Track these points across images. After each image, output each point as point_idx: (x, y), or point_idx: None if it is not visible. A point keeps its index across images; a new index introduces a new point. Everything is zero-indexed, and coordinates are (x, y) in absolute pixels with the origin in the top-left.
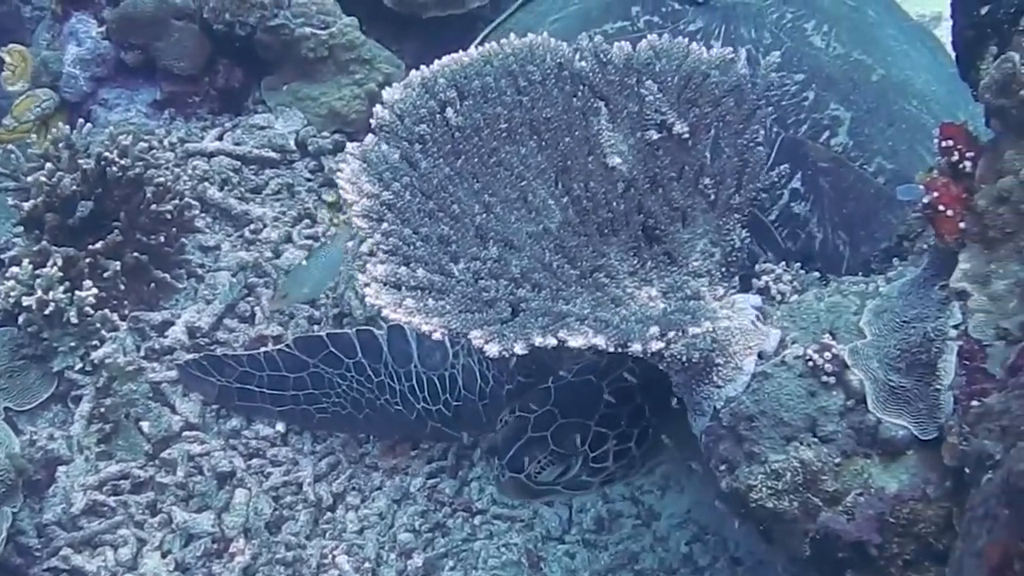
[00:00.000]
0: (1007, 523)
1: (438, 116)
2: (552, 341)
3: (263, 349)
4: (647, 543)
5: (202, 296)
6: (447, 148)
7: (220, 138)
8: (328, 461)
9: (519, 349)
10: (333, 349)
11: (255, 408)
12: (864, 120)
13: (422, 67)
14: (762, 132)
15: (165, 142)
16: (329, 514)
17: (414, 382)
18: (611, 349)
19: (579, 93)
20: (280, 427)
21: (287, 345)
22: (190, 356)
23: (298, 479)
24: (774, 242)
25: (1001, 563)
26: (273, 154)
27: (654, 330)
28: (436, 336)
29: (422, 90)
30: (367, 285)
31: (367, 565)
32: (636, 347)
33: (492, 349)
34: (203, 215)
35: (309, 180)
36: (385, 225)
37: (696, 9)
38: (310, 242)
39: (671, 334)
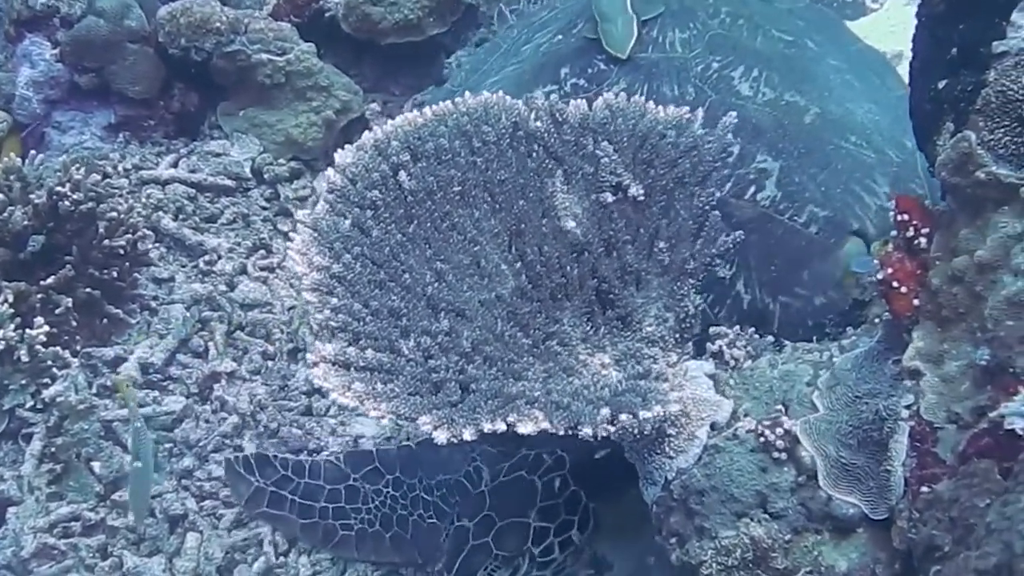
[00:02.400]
0: None
1: (391, 180)
2: (501, 426)
3: (309, 458)
4: None
5: (155, 330)
6: (399, 213)
7: (175, 165)
8: None
9: (468, 435)
10: (378, 464)
11: (278, 517)
12: (794, 168)
13: (375, 128)
14: (717, 194)
15: (119, 167)
16: (283, 558)
17: (445, 490)
18: (560, 432)
19: (534, 154)
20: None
21: (336, 457)
22: (242, 453)
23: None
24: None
25: None
26: (229, 182)
27: (604, 412)
28: (384, 422)
29: (375, 152)
30: (315, 365)
31: None
32: (587, 431)
33: (440, 436)
34: (157, 245)
35: (265, 208)
36: (334, 300)
37: (620, 68)
38: (265, 273)
39: (622, 417)
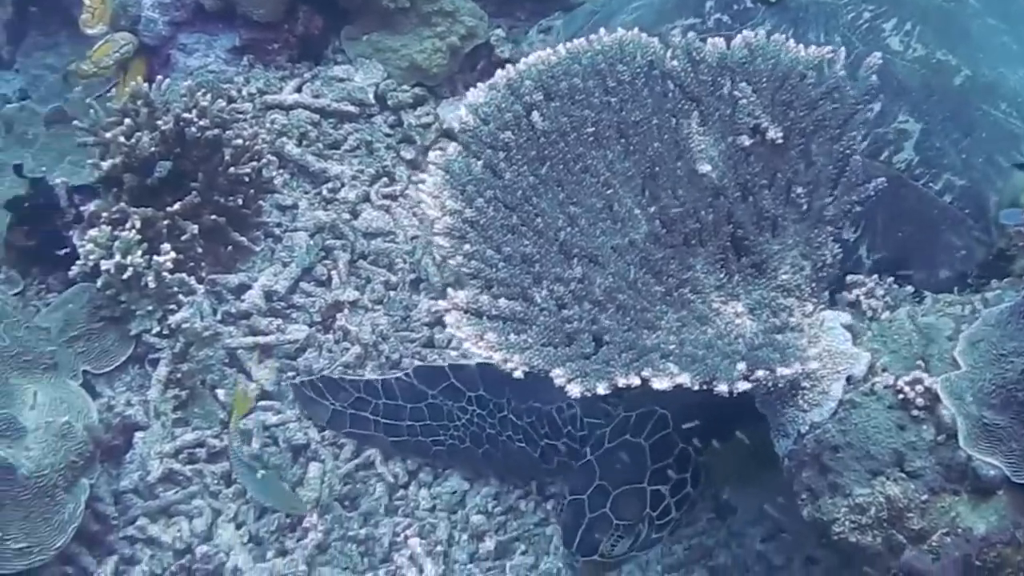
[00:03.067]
0: None
1: (523, 121)
2: (636, 381)
3: (380, 376)
4: (721, 538)
5: (279, 258)
6: (532, 154)
7: (299, 90)
8: None
9: (601, 390)
10: (455, 381)
11: (367, 436)
12: (936, 131)
13: (508, 67)
14: (859, 138)
15: (244, 92)
16: (402, 491)
17: (534, 418)
18: (695, 387)
19: (669, 94)
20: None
21: (406, 374)
22: (306, 377)
23: (368, 458)
24: None
25: None
26: (352, 108)
27: (741, 367)
28: (517, 374)
29: (507, 92)
30: (448, 312)
31: (439, 548)
32: (722, 387)
33: (574, 390)
34: (281, 172)
35: (388, 136)
36: (467, 246)
37: (767, 9)
38: (388, 202)
39: (759, 373)
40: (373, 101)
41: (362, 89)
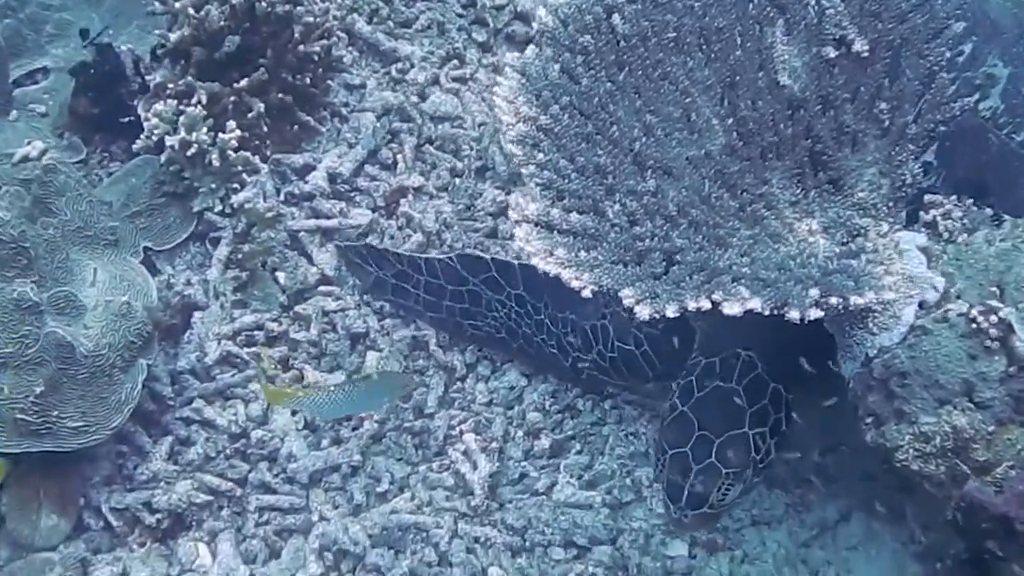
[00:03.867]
0: None
1: (603, 23)
2: (706, 304)
3: (425, 255)
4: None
5: (344, 138)
6: (610, 59)
7: None
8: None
9: (671, 312)
10: (496, 274)
11: (406, 307)
12: None
13: None
14: (948, 55)
15: None
16: (459, 383)
17: (569, 329)
18: (767, 312)
19: (755, 1)
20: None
21: (450, 258)
22: (352, 242)
23: (424, 338)
24: None
25: None
26: None
27: (814, 293)
28: (586, 293)
29: None
30: (518, 224)
31: (494, 445)
32: (794, 314)
33: (643, 312)
34: (350, 49)
35: (460, 16)
36: (540, 156)
37: None
38: (457, 85)
39: (832, 300)
40: None
41: None
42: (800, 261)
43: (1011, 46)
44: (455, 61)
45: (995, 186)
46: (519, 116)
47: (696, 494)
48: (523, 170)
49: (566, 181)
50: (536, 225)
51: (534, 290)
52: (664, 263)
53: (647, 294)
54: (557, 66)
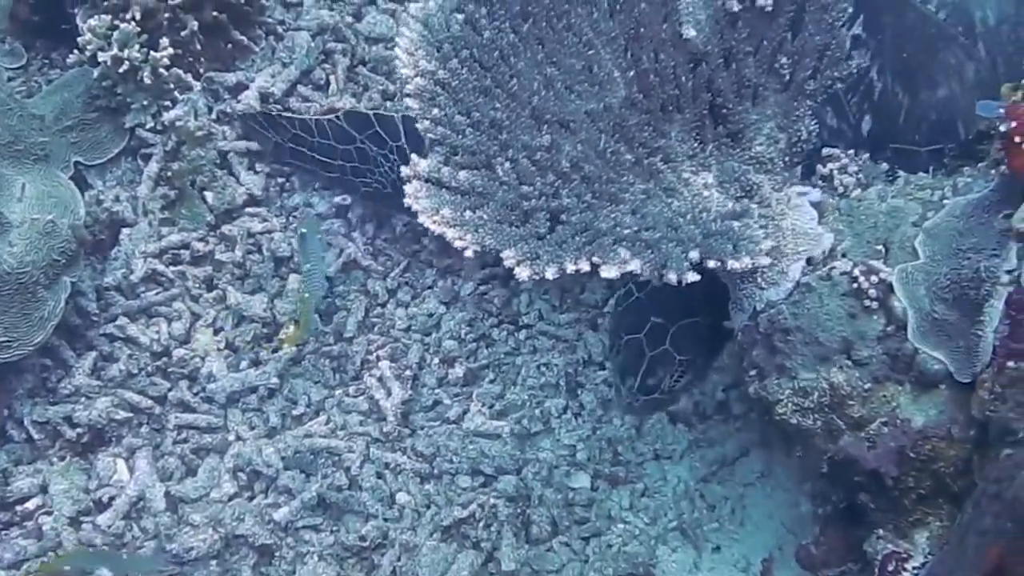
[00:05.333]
0: (1009, 534)
1: None
2: (585, 267)
3: (314, 117)
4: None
5: (279, 57)
6: (515, 9)
7: None
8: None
9: (550, 274)
10: (379, 129)
11: (306, 169)
12: None
13: None
14: (849, 11)
15: None
16: (379, 308)
17: None
18: (646, 275)
19: None
20: (338, 200)
21: (337, 116)
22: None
23: (350, 255)
24: (841, 110)
25: (997, 566)
26: None
27: (693, 256)
28: (468, 254)
29: None
30: (408, 181)
31: (408, 372)
32: (671, 276)
33: (523, 273)
34: None
35: None
36: (436, 111)
37: None
38: (393, 5)
39: (709, 264)
40: None
41: None
42: (690, 218)
43: None
44: None
45: (917, 52)
46: (418, 69)
47: (650, 379)
48: (418, 125)
49: (460, 136)
50: (427, 182)
51: (416, 140)
52: (549, 223)
53: (528, 255)
54: (461, 16)
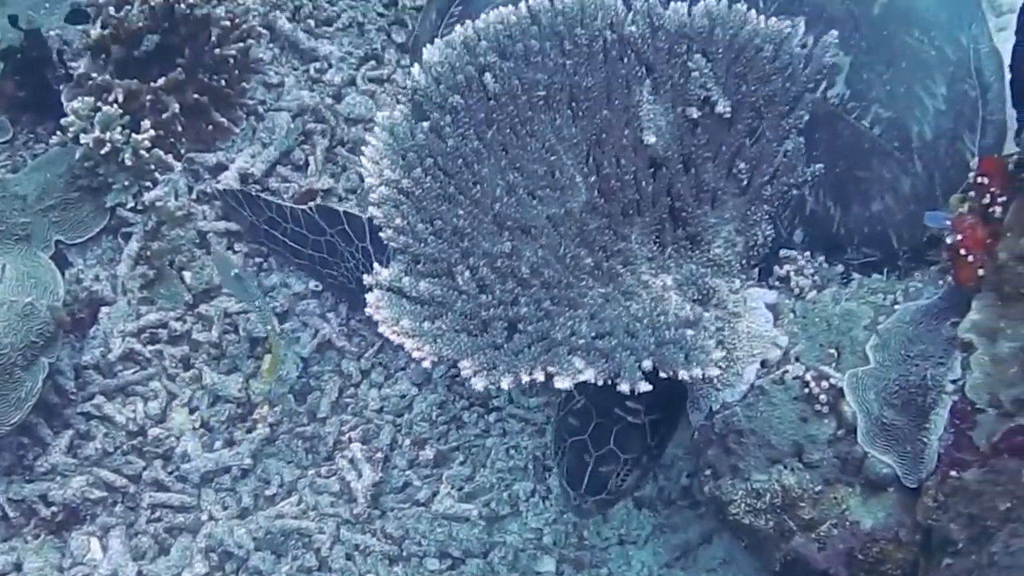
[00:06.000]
0: None
1: (475, 82)
2: (540, 377)
3: (289, 204)
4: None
5: (259, 138)
6: (480, 117)
7: None
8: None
9: (505, 384)
10: (347, 227)
11: (277, 252)
12: (863, 64)
13: (467, 23)
14: (806, 118)
15: None
16: (353, 388)
17: None
18: (600, 383)
19: (625, 60)
20: (313, 284)
21: (310, 207)
22: (233, 188)
23: (324, 336)
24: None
25: None
26: None
27: (646, 366)
28: (426, 364)
29: (463, 50)
30: (370, 289)
31: (379, 455)
32: (624, 387)
33: (478, 384)
34: (271, 46)
35: (381, 15)
36: (399, 219)
37: None
38: (373, 87)
39: (661, 375)
40: None
41: None
42: (647, 322)
43: (847, 36)
44: (373, 62)
45: (850, 167)
46: (382, 179)
47: (596, 480)
48: (381, 234)
49: (422, 245)
50: (388, 290)
51: (380, 244)
52: (506, 332)
53: (485, 365)
54: (426, 124)
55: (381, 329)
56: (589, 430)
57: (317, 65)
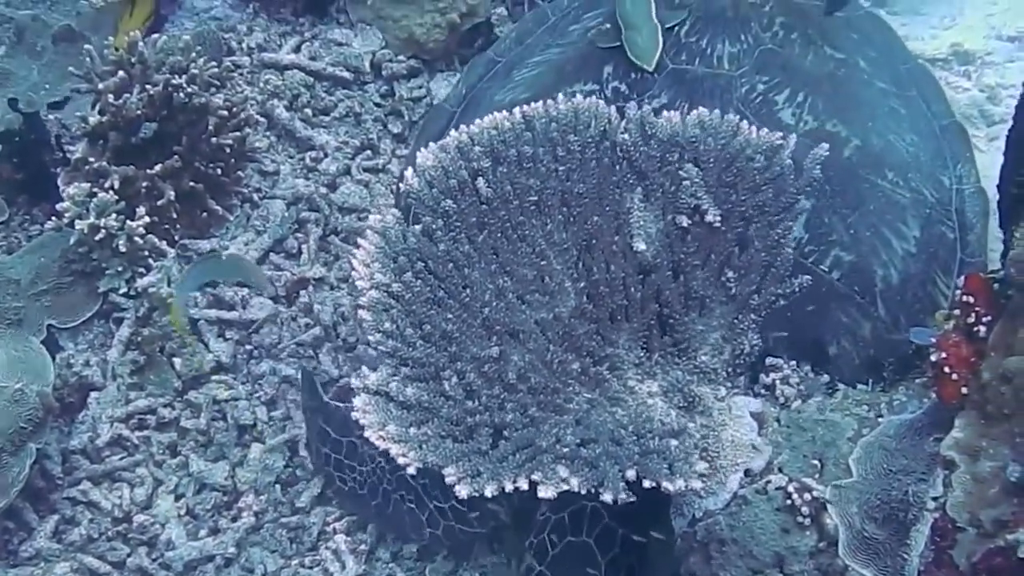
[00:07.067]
0: None
1: (468, 187)
2: (524, 485)
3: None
4: None
5: (253, 225)
6: (471, 220)
7: (297, 49)
8: None
9: (489, 491)
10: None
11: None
12: (825, 208)
13: (461, 127)
14: (796, 229)
15: (244, 44)
16: None
17: (428, 480)
18: (583, 492)
19: (617, 167)
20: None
21: (336, 406)
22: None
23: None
24: None
25: None
26: (347, 74)
27: (629, 475)
28: (410, 470)
29: (457, 155)
30: (357, 394)
31: (363, 547)
32: (607, 497)
33: (462, 491)
34: (268, 135)
35: (378, 106)
36: (388, 324)
37: (664, 79)
38: (368, 176)
39: (644, 484)
40: (368, 69)
41: (359, 56)
42: (632, 429)
43: (809, 183)
44: (368, 151)
45: (805, 311)
46: (372, 282)
47: None
48: (369, 337)
49: (410, 349)
50: (376, 394)
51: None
52: (491, 439)
53: (469, 472)
54: (418, 228)
55: (367, 434)
56: None
57: (313, 154)
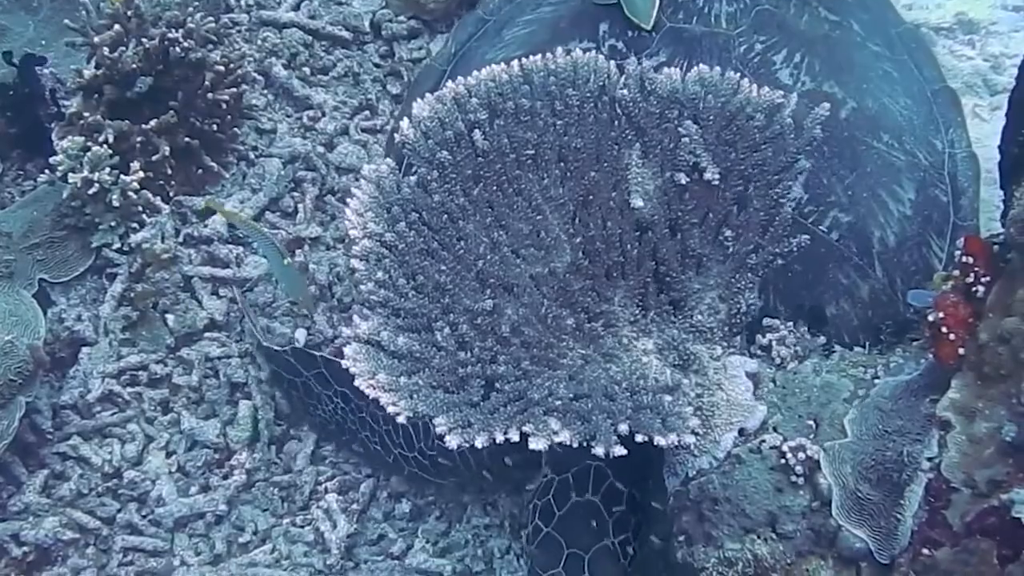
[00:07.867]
0: None
1: (464, 139)
2: (515, 436)
3: (269, 345)
4: None
5: (249, 183)
6: (467, 173)
7: (296, 7)
8: None
9: (479, 442)
10: (324, 371)
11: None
12: (824, 168)
13: (459, 79)
14: (795, 189)
15: (242, 2)
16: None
17: (391, 426)
18: (575, 445)
19: (616, 123)
20: (299, 334)
21: (286, 351)
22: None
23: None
24: None
25: None
26: (346, 33)
27: (622, 429)
28: (400, 419)
29: (453, 107)
30: (347, 343)
31: (355, 507)
32: (599, 450)
33: (452, 441)
34: (265, 93)
35: (377, 67)
36: (380, 273)
37: (662, 37)
38: (366, 136)
39: (637, 438)
40: (368, 29)
41: (358, 15)
42: (626, 385)
43: (809, 142)
44: (367, 112)
45: (804, 272)
46: (366, 232)
47: None
48: (361, 286)
49: (402, 299)
50: (367, 343)
51: (358, 389)
52: (483, 390)
53: (460, 423)
54: (413, 179)
55: (357, 382)
56: (562, 562)
57: (311, 113)
